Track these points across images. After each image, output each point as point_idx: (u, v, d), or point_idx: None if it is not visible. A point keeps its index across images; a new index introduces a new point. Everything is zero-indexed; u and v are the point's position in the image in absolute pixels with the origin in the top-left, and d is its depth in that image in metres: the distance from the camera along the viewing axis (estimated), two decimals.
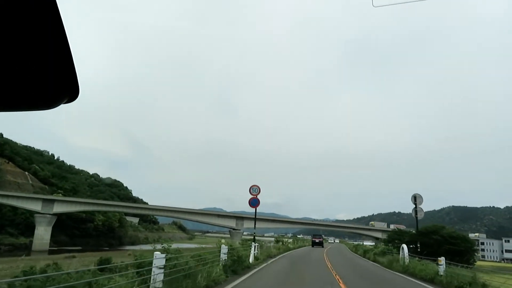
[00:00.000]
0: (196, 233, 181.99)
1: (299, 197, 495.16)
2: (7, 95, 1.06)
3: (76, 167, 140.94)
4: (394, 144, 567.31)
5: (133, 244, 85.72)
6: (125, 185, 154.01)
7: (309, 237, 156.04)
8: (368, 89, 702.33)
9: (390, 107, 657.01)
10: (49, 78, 1.07)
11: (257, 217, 71.30)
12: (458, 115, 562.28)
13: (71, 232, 68.74)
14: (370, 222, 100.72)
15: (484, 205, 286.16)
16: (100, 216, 72.32)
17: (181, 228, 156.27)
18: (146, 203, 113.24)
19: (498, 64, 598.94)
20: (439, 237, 40.77)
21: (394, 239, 51.80)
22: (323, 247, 54.89)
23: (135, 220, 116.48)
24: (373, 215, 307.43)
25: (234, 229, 67.79)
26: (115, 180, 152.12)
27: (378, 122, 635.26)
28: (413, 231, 51.40)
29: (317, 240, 57.84)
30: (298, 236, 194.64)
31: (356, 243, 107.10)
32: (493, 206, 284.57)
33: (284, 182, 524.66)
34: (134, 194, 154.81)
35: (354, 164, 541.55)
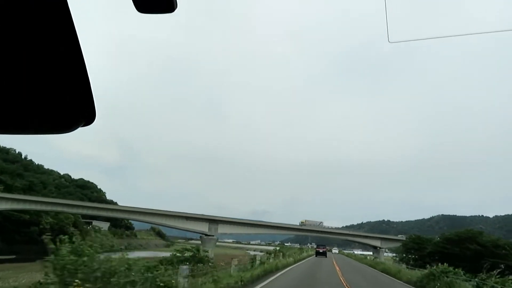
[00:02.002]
0: (179, 240, 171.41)
1: (288, 205, 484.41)
2: (25, 118, 1.08)
3: (64, 172, 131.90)
4: (384, 153, 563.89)
5: None
6: (99, 187, 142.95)
7: (297, 245, 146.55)
8: (359, 98, 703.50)
9: (380, 116, 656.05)
10: (67, 102, 1.08)
11: (238, 221, 60.38)
12: (448, 126, 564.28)
13: (10, 237, 56.87)
14: (300, 221, 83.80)
15: (473, 214, 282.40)
16: (49, 219, 60.90)
17: (159, 234, 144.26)
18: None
19: (490, 74, 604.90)
20: (478, 247, 30.10)
21: (410, 248, 41.31)
22: (326, 256, 55.33)
23: (105, 225, 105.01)
24: (362, 223, 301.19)
25: (206, 234, 56.70)
26: (88, 182, 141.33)
27: (368, 131, 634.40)
28: (438, 238, 40.90)
29: (320, 250, 58.64)
30: (286, 244, 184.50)
31: (360, 253, 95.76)
32: (482, 215, 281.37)
33: (274, 189, 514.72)
34: (112, 198, 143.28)
35: (344, 172, 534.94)
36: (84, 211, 64.23)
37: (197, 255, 13.33)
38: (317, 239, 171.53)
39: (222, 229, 59.23)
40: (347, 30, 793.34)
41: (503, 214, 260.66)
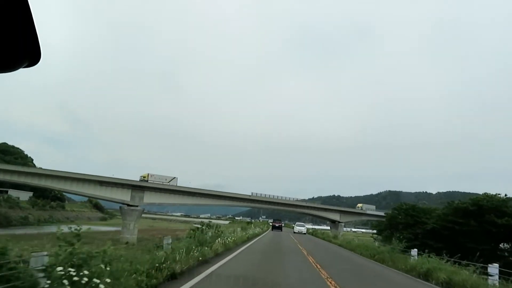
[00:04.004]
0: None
1: (242, 180, 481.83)
2: None
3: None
4: (336, 132, 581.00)
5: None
6: (26, 153, 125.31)
7: (248, 219, 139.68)
8: (312, 77, 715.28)
9: (332, 96, 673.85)
10: (9, 39, 1.00)
11: (172, 188, 48.54)
12: (394, 108, 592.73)
13: None
14: (141, 175, 67.14)
15: (417, 190, 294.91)
16: None
17: (97, 207, 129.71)
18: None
19: (434, 62, 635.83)
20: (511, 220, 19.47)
21: (398, 223, 28.18)
22: (281, 230, 57.23)
23: (26, 195, 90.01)
24: (313, 197, 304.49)
25: (128, 205, 45.33)
26: (12, 147, 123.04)
27: (320, 110, 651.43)
28: (441, 210, 26.99)
29: (277, 225, 61.60)
30: (236, 218, 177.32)
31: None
32: (426, 192, 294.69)
33: (227, 164, 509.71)
34: (42, 166, 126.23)
35: (296, 149, 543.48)
36: None
37: None
38: (268, 213, 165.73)
39: (149, 198, 47.93)
40: (301, 8, 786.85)
41: (445, 190, 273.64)
